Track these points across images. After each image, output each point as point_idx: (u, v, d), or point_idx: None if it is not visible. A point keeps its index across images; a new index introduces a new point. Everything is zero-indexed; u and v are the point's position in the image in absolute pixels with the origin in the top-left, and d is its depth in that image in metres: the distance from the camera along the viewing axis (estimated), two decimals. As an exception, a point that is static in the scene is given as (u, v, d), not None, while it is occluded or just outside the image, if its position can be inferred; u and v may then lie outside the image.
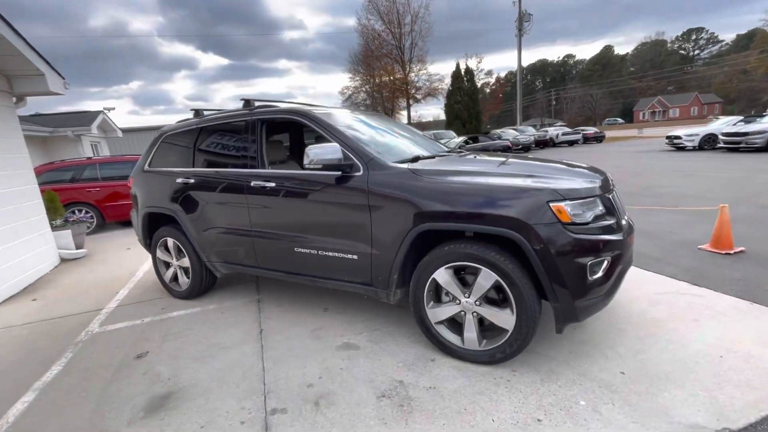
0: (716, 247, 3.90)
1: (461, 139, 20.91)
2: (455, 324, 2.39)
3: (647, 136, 28.73)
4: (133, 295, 3.99)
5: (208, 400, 2.19)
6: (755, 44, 55.39)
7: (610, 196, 2.25)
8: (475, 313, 2.25)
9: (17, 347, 3.06)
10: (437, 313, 2.38)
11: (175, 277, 3.80)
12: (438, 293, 2.42)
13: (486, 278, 2.15)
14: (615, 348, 2.38)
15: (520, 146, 23.51)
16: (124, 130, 17.62)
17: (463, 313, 2.29)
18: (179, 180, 3.44)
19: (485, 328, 2.31)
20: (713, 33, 78.46)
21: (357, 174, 2.50)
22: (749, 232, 4.34)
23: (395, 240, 2.38)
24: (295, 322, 3.06)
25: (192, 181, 3.36)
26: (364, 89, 41.73)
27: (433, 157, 2.90)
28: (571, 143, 27.10)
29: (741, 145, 13.07)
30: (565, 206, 1.99)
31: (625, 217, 2.44)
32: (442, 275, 2.28)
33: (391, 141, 3.10)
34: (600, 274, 2.06)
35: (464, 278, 2.32)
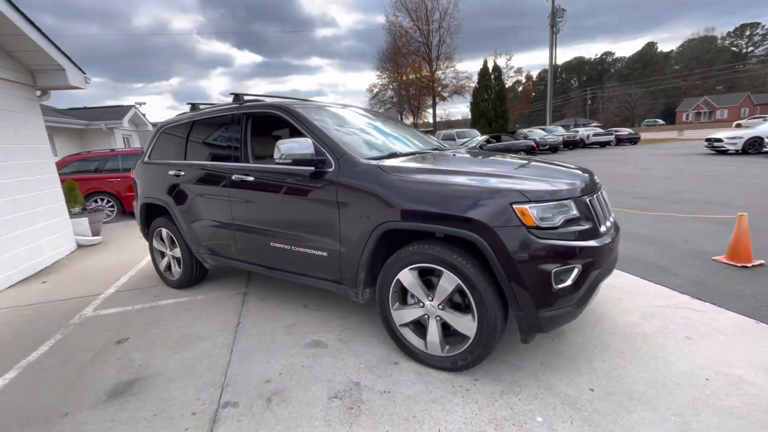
0: (732, 258, 3.58)
1: (483, 138, 20.31)
2: (421, 327, 2.31)
3: (687, 138, 26.96)
4: (132, 282, 4.15)
5: (168, 388, 2.22)
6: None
7: (588, 200, 2.09)
8: (438, 317, 2.16)
9: (16, 326, 3.24)
10: (402, 315, 2.31)
11: (168, 267, 3.91)
12: (404, 295, 2.34)
13: (448, 281, 2.06)
14: (591, 362, 2.23)
15: (547, 147, 22.60)
16: (156, 125, 18.39)
17: (426, 316, 2.21)
18: (171, 172, 3.52)
19: (450, 333, 2.21)
20: (770, 28, 72.83)
21: (329, 170, 2.46)
22: (775, 245, 3.96)
23: (361, 238, 2.32)
24: (273, 317, 3.06)
25: (182, 173, 3.43)
26: (391, 86, 41.72)
27: (413, 154, 2.82)
28: (603, 145, 25.64)
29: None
30: (530, 209, 1.87)
31: (609, 221, 2.27)
32: (406, 276, 2.21)
33: (373, 137, 3.03)
34: (569, 282, 1.91)
35: (431, 281, 2.23)
